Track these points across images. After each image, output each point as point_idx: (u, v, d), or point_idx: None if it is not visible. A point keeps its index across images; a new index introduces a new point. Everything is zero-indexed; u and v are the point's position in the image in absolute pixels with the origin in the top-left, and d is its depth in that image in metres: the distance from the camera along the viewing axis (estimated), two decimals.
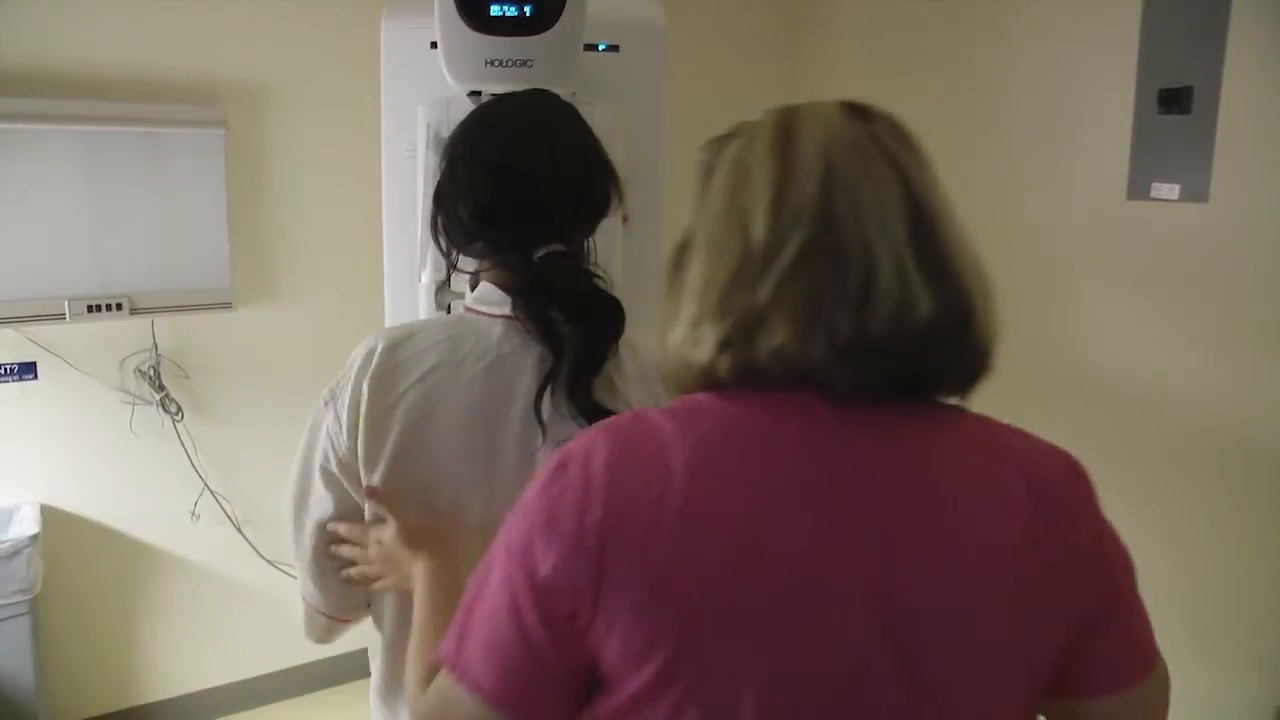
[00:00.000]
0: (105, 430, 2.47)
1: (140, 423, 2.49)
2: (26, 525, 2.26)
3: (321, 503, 1.08)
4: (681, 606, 0.67)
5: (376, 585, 1.06)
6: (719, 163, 0.78)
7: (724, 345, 0.72)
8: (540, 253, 1.04)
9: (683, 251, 0.78)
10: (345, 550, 1.07)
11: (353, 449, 1.03)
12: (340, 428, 1.04)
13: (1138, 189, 2.17)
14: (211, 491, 2.60)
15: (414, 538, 1.01)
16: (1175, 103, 2.07)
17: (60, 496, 2.46)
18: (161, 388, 2.49)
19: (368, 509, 1.05)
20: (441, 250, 1.11)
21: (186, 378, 2.54)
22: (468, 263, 1.12)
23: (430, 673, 0.79)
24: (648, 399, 1.04)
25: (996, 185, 2.50)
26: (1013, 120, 2.45)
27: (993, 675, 0.72)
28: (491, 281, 1.07)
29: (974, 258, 0.74)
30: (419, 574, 0.99)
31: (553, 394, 1.01)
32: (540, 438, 1.01)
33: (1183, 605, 2.18)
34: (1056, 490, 0.74)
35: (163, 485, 2.55)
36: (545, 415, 1.01)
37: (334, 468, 1.05)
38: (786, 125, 0.76)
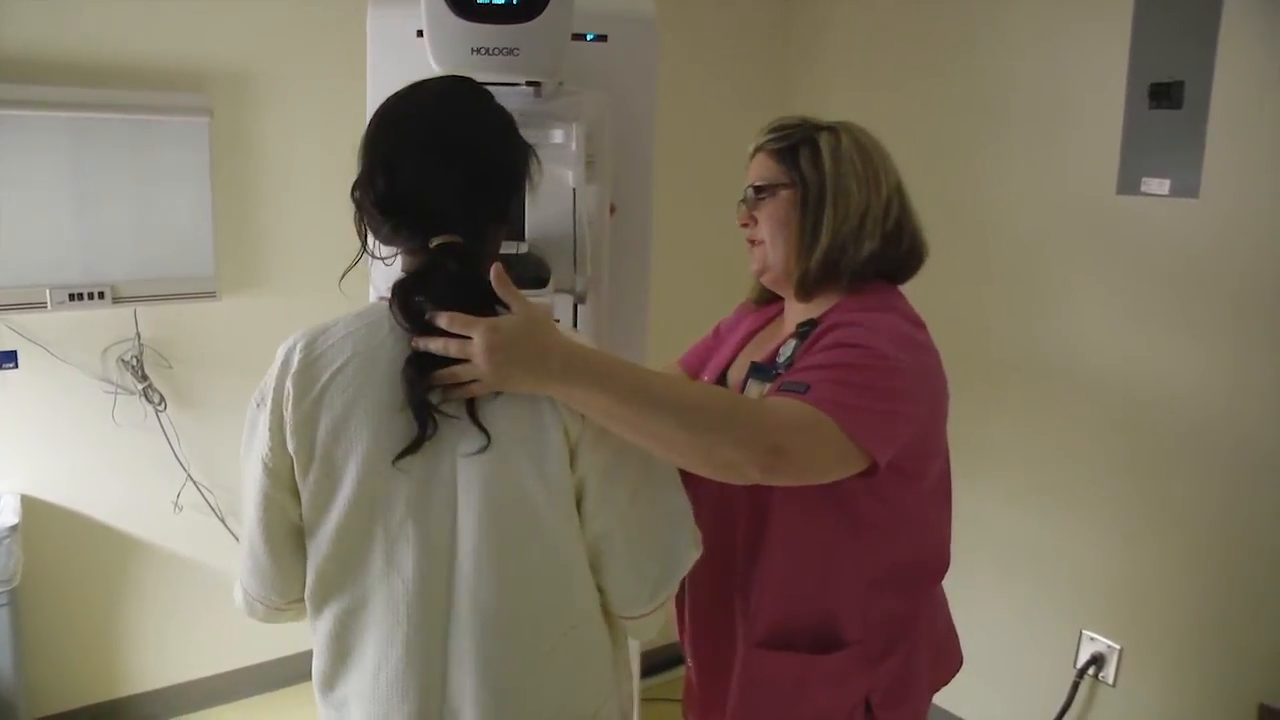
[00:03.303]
0: (87, 420, 2.45)
1: (122, 413, 2.47)
2: (6, 515, 2.25)
3: (263, 491, 1.09)
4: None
5: (472, 388, 1.00)
6: (829, 145, 1.28)
7: (876, 249, 1.27)
8: (436, 242, 1.04)
9: (819, 190, 1.28)
10: (436, 344, 1.00)
11: (283, 447, 1.06)
12: (268, 428, 1.06)
13: (1128, 184, 2.17)
14: (194, 482, 2.58)
15: (543, 322, 1.01)
16: (1166, 97, 2.06)
17: (41, 487, 2.44)
18: (144, 377, 2.46)
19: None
20: (360, 238, 1.12)
21: (169, 368, 2.51)
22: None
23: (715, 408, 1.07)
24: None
25: (986, 180, 2.49)
26: (1002, 115, 2.44)
27: None
28: (403, 269, 1.10)
29: None
30: (566, 361, 0.99)
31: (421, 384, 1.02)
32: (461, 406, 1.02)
33: (1169, 602, 2.18)
34: None
35: (145, 476, 2.53)
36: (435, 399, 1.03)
37: (271, 464, 1.07)
38: (865, 131, 1.33)
